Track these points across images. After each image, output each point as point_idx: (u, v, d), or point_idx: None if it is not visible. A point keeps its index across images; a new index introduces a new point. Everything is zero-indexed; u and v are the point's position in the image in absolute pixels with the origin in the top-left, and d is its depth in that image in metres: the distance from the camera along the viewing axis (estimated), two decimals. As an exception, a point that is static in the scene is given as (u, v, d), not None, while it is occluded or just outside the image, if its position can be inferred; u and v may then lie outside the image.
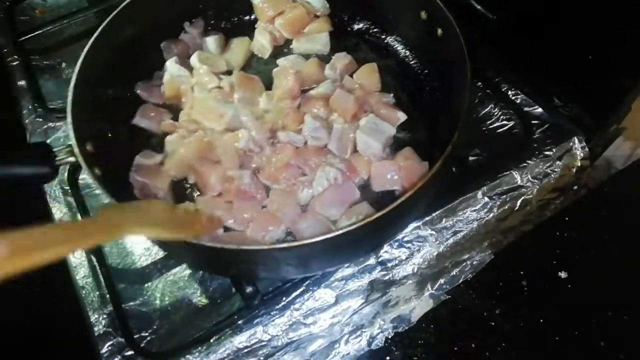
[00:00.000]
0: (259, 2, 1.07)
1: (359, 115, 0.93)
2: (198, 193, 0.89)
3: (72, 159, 0.75)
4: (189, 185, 0.90)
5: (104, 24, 0.89)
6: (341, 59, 1.01)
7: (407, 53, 1.08)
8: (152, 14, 1.00)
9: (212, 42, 1.06)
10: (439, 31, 0.92)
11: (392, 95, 0.98)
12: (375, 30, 1.12)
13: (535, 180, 0.93)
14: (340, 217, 0.82)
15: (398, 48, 1.09)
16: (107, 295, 0.82)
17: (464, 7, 1.00)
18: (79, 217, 0.91)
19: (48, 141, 1.03)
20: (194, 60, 1.01)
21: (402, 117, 0.94)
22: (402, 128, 0.94)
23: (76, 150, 0.73)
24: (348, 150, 0.90)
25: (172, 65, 1.00)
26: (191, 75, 1.00)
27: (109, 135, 0.90)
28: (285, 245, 0.67)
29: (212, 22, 1.12)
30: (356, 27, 1.13)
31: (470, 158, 0.97)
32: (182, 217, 0.79)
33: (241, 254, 0.68)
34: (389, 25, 1.10)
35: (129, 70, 0.98)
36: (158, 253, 0.89)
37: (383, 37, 1.11)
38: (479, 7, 1.00)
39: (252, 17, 1.13)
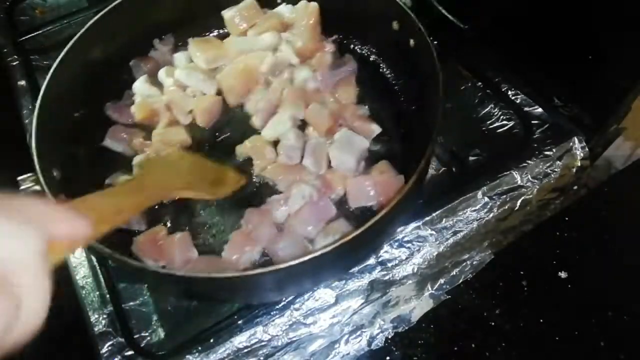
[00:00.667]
0: (230, 17, 1.04)
1: (334, 129, 0.93)
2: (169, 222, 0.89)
3: (37, 187, 0.73)
4: (160, 209, 0.89)
5: (70, 43, 0.87)
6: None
7: (382, 64, 1.07)
8: (121, 31, 0.98)
9: (181, 58, 1.04)
10: (411, 42, 0.91)
11: (367, 107, 0.97)
12: (348, 41, 1.11)
13: (535, 180, 0.93)
14: (317, 234, 0.81)
15: (372, 59, 1.08)
16: (107, 295, 0.82)
17: (436, 18, 1.00)
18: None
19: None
20: (161, 76, 1.00)
21: (376, 129, 0.93)
22: (377, 141, 0.94)
23: (41, 179, 0.72)
24: (323, 165, 0.89)
25: (141, 85, 0.97)
26: (162, 93, 0.98)
27: (77, 158, 0.89)
28: (260, 270, 0.65)
29: (183, 37, 1.08)
30: (330, 39, 1.10)
31: (470, 158, 0.97)
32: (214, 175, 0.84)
33: (214, 282, 0.67)
34: (362, 36, 1.09)
35: (97, 90, 0.96)
36: (158, 253, 0.89)
37: (357, 48, 1.10)
38: (450, 16, 1.00)
39: (224, 31, 1.10)
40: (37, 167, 0.73)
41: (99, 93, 0.97)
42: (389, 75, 1.06)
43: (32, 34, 1.17)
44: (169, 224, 0.88)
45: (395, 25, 0.95)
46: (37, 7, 1.30)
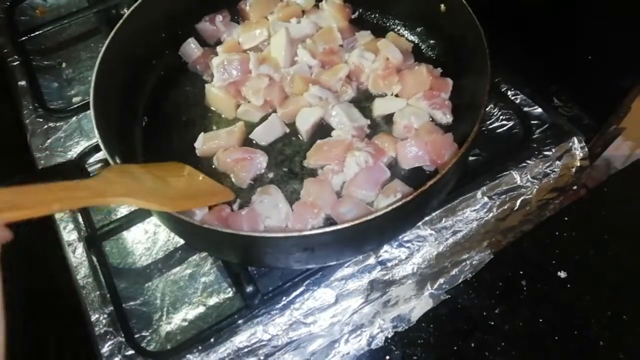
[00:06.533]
0: (247, 7, 1.09)
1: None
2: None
3: None
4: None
5: (106, 43, 0.88)
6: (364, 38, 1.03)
7: (411, 35, 1.08)
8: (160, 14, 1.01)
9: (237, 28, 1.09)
10: (442, 7, 0.93)
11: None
12: (375, 15, 1.12)
13: (535, 180, 0.93)
14: (375, 197, 0.83)
15: (401, 31, 1.10)
16: (108, 295, 0.82)
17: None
18: (79, 218, 0.92)
19: (48, 142, 1.04)
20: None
21: None
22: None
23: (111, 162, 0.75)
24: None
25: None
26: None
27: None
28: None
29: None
30: (354, 15, 1.12)
31: (470, 158, 0.97)
32: (198, 189, 0.82)
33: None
34: (389, 8, 1.10)
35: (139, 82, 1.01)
36: (159, 253, 0.89)
37: (382, 22, 1.12)
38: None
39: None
40: (109, 158, 0.75)
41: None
42: (420, 44, 1.07)
43: (33, 34, 1.16)
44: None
45: None
46: (38, 7, 1.30)
